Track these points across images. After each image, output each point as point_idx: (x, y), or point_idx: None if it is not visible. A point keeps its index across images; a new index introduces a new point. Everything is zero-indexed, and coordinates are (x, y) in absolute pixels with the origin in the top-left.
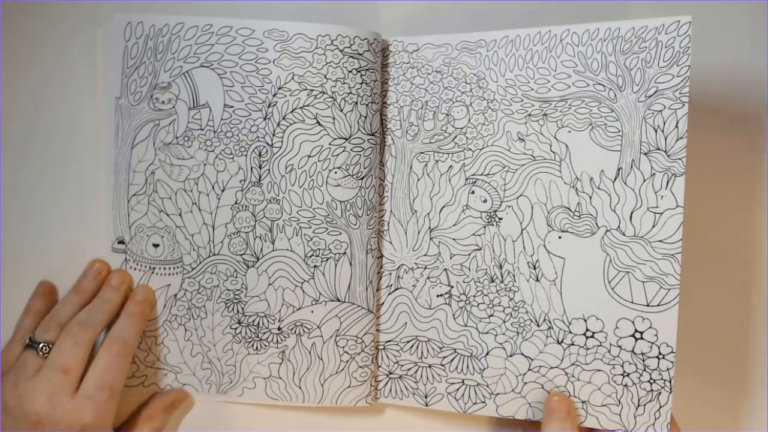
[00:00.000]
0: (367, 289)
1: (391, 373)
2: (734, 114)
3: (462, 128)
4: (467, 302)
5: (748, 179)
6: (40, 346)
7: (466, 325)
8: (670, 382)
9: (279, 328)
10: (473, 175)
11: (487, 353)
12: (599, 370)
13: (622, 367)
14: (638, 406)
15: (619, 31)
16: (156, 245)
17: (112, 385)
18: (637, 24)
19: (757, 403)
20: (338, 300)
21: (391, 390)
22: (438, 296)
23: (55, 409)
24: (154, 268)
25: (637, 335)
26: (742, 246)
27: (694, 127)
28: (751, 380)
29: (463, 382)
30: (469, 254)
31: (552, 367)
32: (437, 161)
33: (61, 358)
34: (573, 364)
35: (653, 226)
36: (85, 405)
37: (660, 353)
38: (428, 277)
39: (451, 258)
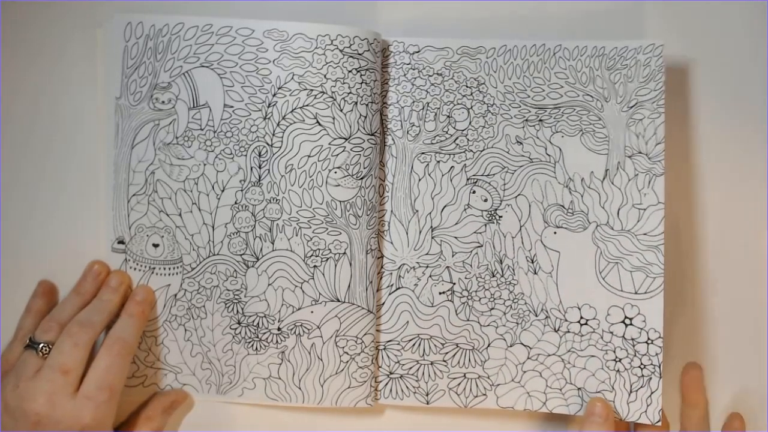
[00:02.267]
0: (367, 289)
1: (391, 373)
2: (734, 114)
3: (463, 130)
4: (469, 297)
5: (747, 176)
6: (40, 346)
7: (468, 320)
8: (659, 367)
9: (279, 329)
10: (474, 175)
11: (489, 345)
12: (593, 356)
13: (614, 352)
14: (630, 392)
15: (604, 49)
16: (156, 245)
17: (113, 385)
18: (619, 44)
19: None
20: (338, 300)
21: (391, 390)
22: (440, 293)
23: (56, 410)
24: (153, 268)
25: (627, 321)
26: (733, 240)
27: (693, 125)
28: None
29: (464, 376)
30: (471, 251)
31: (549, 355)
32: (438, 162)
33: (60, 359)
34: (569, 351)
35: (638, 221)
36: (86, 405)
37: (648, 338)
38: (430, 276)
39: (453, 255)
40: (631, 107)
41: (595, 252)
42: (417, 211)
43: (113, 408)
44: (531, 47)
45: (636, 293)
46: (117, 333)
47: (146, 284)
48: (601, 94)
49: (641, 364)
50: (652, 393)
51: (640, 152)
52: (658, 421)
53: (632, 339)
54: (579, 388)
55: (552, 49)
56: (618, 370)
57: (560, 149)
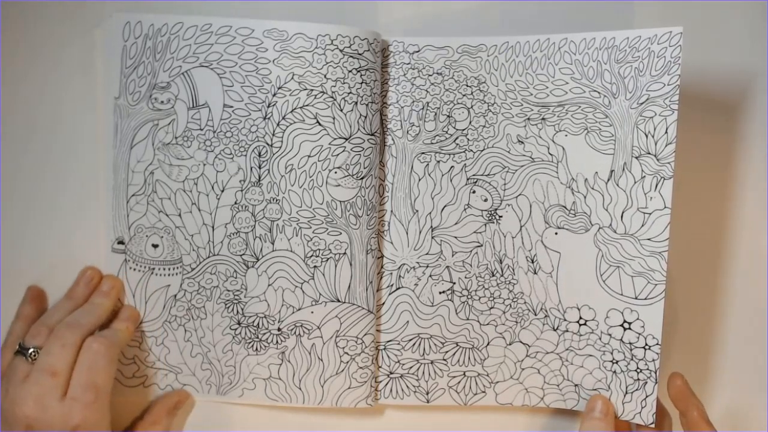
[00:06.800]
0: (367, 289)
1: (391, 373)
2: (734, 114)
3: (463, 130)
4: (469, 296)
5: (748, 178)
6: (29, 351)
7: (468, 319)
8: (655, 372)
9: (279, 329)
10: (474, 175)
11: (488, 343)
12: (591, 356)
13: (612, 354)
14: (626, 393)
15: (615, 40)
16: (155, 246)
17: (97, 384)
18: (631, 34)
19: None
20: (338, 300)
21: (391, 390)
22: (440, 293)
23: (46, 412)
24: (153, 269)
25: (626, 325)
26: (731, 244)
27: (693, 126)
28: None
29: (464, 374)
30: (471, 251)
31: (548, 353)
32: (438, 162)
33: (49, 361)
34: (567, 350)
35: (642, 225)
36: (74, 407)
37: (646, 344)
38: (430, 275)
39: (452, 255)
40: (642, 103)
41: (596, 254)
42: (417, 211)
43: (103, 408)
44: (534, 42)
45: (636, 298)
46: (99, 333)
47: (133, 306)
48: (608, 89)
49: (638, 368)
50: (647, 396)
51: (649, 153)
52: (651, 423)
53: (630, 343)
54: (576, 385)
55: (557, 44)
56: (615, 371)
57: (563, 148)
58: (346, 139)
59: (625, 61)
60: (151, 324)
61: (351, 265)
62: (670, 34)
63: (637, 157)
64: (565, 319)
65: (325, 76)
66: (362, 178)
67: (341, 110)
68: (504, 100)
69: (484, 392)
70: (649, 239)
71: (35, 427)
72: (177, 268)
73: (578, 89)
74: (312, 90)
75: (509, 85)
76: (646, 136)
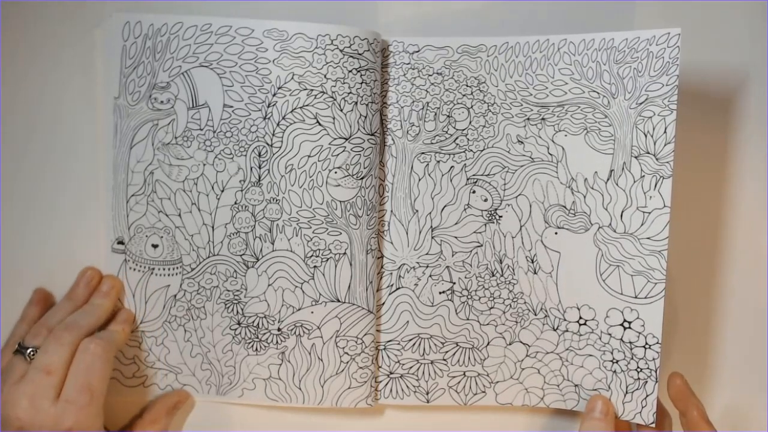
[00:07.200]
0: (367, 289)
1: (391, 373)
2: (733, 113)
3: (463, 130)
4: (469, 296)
5: (747, 177)
6: (28, 351)
7: (468, 319)
8: (656, 372)
9: (279, 329)
10: (474, 175)
11: (488, 343)
12: (591, 356)
13: (612, 354)
14: (626, 392)
15: (614, 41)
16: (155, 246)
17: (92, 386)
18: (630, 35)
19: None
20: (338, 300)
21: (391, 390)
22: (440, 293)
23: (38, 414)
24: (153, 269)
25: (626, 324)
26: (731, 243)
27: (692, 125)
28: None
29: (464, 374)
30: (471, 251)
31: (548, 353)
32: (438, 162)
33: (45, 359)
34: (567, 350)
35: (642, 224)
36: (67, 409)
37: (647, 343)
38: (430, 275)
39: (452, 255)
40: (641, 104)
41: (596, 254)
42: (417, 211)
43: (97, 410)
44: (534, 43)
45: (636, 297)
46: (96, 335)
47: (129, 310)
48: (608, 90)
49: (638, 367)
50: (647, 396)
51: (648, 152)
52: (652, 423)
53: (630, 342)
54: (576, 385)
55: (556, 44)
56: (615, 371)
57: (563, 148)
58: (346, 139)
59: (624, 61)
60: (151, 324)
61: (351, 265)
62: (668, 35)
63: (636, 157)
64: (565, 319)
65: (325, 76)
66: (362, 178)
67: (341, 110)
68: (504, 100)
69: (484, 392)
70: (648, 238)
71: (26, 429)
72: (177, 268)
73: (578, 90)
74: (312, 90)
75: (509, 86)
76: (645, 135)
